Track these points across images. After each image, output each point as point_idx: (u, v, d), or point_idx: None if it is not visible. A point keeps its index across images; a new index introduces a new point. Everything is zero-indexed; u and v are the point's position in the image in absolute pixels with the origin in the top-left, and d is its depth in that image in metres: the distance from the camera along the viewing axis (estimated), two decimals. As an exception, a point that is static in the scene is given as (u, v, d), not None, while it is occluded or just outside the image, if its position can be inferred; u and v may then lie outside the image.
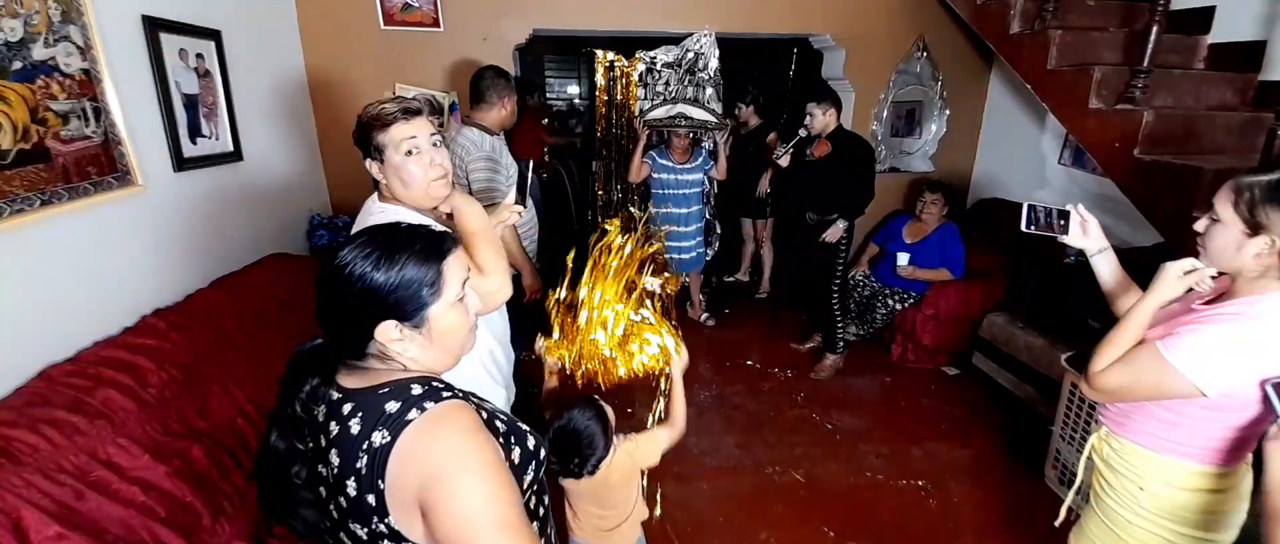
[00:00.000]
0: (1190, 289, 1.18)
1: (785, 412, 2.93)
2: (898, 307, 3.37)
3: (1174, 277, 1.16)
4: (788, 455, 2.58)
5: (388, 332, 0.81)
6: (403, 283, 0.81)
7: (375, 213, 1.34)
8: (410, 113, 1.29)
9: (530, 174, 1.65)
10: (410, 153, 1.29)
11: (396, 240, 0.83)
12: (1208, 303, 1.17)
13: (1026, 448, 2.58)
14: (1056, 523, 1.50)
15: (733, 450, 2.63)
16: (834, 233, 3.09)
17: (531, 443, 0.93)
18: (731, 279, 4.42)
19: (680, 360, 1.53)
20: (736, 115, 3.86)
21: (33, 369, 1.57)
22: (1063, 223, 1.39)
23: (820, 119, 3.00)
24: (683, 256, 3.52)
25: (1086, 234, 1.37)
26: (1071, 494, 1.45)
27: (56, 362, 1.62)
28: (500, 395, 1.61)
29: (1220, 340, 1.06)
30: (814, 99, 3.04)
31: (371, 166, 1.33)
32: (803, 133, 3.06)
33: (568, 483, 1.46)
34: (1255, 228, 1.05)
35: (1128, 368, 1.15)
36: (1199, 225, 1.15)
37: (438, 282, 0.84)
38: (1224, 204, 1.09)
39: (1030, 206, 1.43)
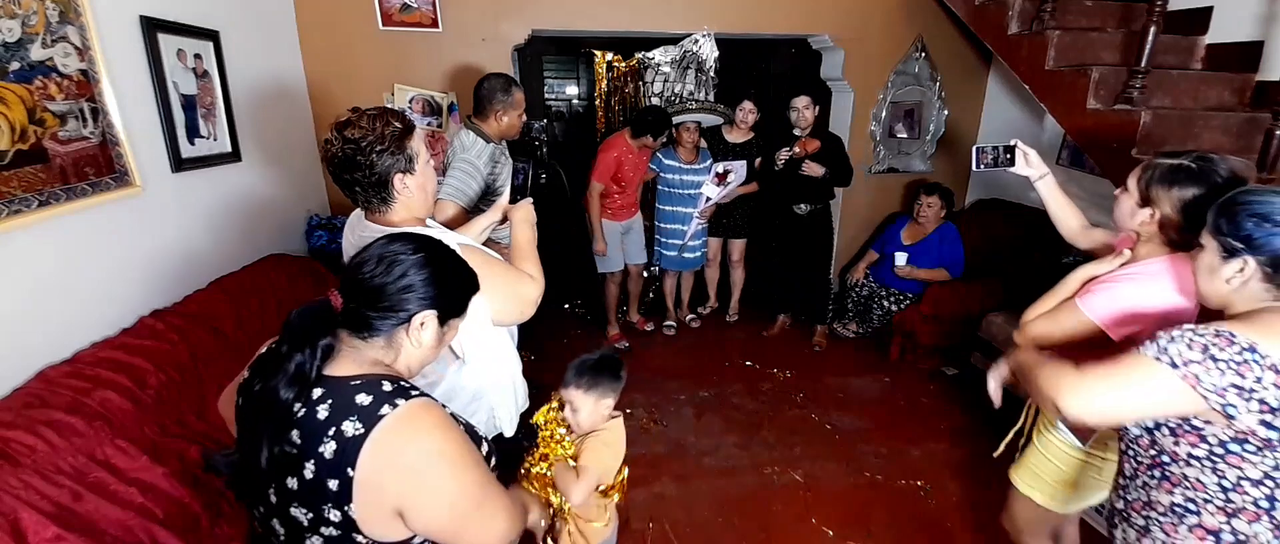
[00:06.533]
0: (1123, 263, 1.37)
1: (785, 412, 2.93)
2: (893, 308, 3.38)
3: (1104, 261, 1.38)
4: (787, 455, 2.58)
5: (428, 320, 0.89)
6: (463, 291, 0.96)
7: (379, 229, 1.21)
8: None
9: (529, 178, 1.63)
10: (428, 162, 1.25)
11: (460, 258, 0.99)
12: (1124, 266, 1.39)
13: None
14: (995, 455, 1.74)
15: (732, 450, 2.63)
16: (813, 168, 3.22)
17: (484, 449, 0.93)
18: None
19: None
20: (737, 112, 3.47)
21: (30, 370, 1.56)
22: (1009, 156, 1.65)
23: (808, 113, 3.22)
24: (686, 256, 3.60)
25: (1029, 164, 1.64)
26: (1011, 433, 1.70)
27: (54, 363, 1.61)
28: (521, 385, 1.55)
29: (1120, 293, 1.27)
30: (801, 92, 3.22)
31: (400, 181, 1.18)
32: (796, 132, 3.27)
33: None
34: (1145, 200, 1.25)
35: (1052, 319, 1.39)
36: (1116, 191, 1.35)
37: (468, 305, 0.98)
38: (1133, 176, 1.29)
39: (978, 148, 1.68)
